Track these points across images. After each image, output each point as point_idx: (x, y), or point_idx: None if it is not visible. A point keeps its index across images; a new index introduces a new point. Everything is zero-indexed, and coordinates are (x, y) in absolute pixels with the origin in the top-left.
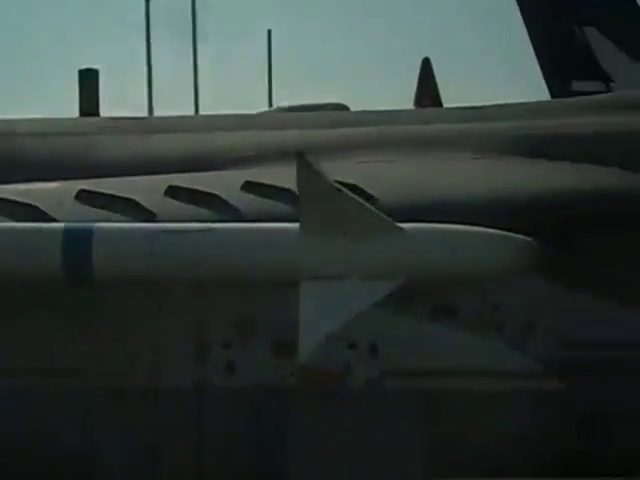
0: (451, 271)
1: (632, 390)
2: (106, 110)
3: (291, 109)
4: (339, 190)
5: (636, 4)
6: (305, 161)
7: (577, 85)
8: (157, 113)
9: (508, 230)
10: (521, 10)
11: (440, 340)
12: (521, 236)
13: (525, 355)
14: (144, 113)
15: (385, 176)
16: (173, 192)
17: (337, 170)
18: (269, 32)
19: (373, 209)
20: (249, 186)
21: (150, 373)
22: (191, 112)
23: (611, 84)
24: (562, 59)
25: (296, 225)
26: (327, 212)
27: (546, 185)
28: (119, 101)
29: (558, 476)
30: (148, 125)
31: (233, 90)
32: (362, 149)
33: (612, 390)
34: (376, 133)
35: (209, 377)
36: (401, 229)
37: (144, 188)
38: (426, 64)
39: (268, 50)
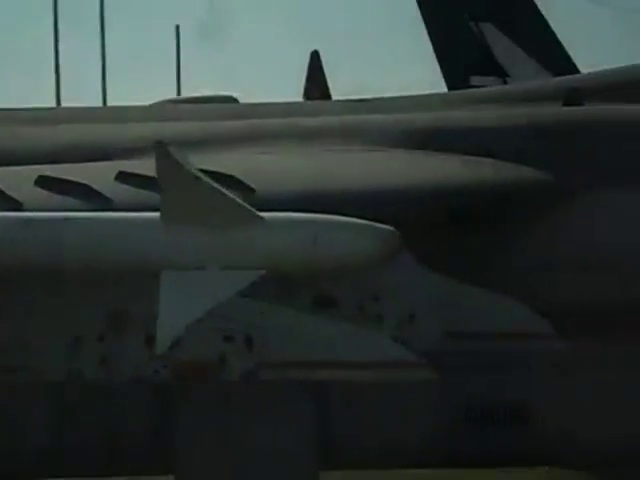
0: (313, 260)
1: (512, 379)
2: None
3: (180, 101)
4: (199, 179)
5: (532, 0)
6: (164, 151)
7: (475, 80)
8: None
9: (389, 221)
10: (419, 5)
11: (319, 331)
12: (385, 226)
13: (406, 345)
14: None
15: (266, 168)
16: (43, 182)
17: (218, 161)
18: (177, 27)
19: (234, 198)
20: (123, 176)
21: (21, 366)
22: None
23: (507, 79)
24: (459, 54)
25: (157, 215)
26: (187, 201)
27: (428, 176)
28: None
29: (446, 465)
30: (38, 116)
31: (142, 83)
32: (248, 141)
33: (494, 379)
34: (263, 125)
35: (82, 370)
36: (262, 218)
37: (13, 178)
38: (315, 57)
39: (177, 44)
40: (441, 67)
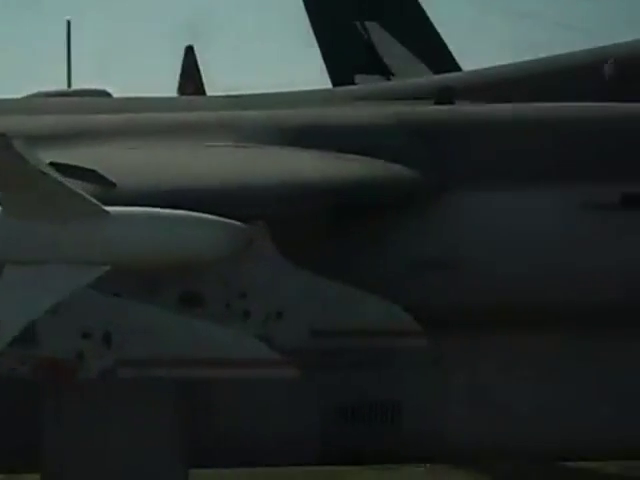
0: (159, 255)
1: (382, 377)
2: None
3: (52, 95)
4: (43, 173)
5: (417, 0)
6: (7, 144)
7: (360, 79)
8: None
9: (258, 218)
10: (305, 3)
11: (180, 329)
12: (235, 221)
13: (272, 343)
14: None
15: (132, 163)
16: None
17: (83, 155)
18: (68, 22)
19: (80, 193)
20: None
21: None
22: None
23: (392, 78)
24: (345, 53)
25: None
26: (30, 195)
27: (298, 173)
28: None
29: (316, 463)
30: None
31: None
32: (118, 135)
33: (363, 377)
34: (134, 120)
35: None
36: (107, 213)
37: None
38: (189, 52)
39: (67, 38)
40: (326, 65)
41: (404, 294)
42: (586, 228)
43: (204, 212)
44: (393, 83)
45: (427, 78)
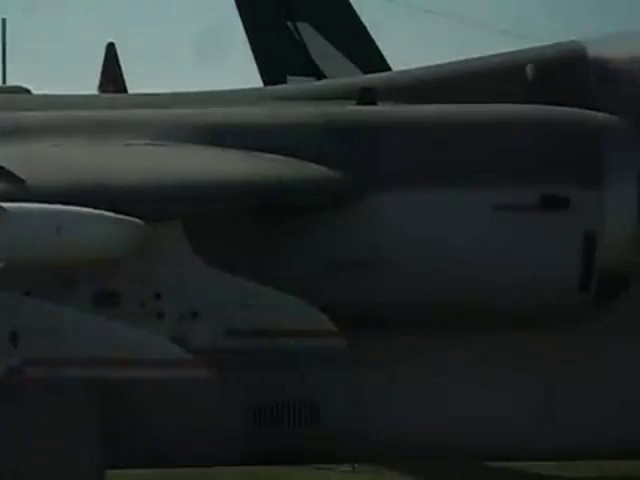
0: (57, 252)
1: (299, 377)
2: None
3: None
4: None
5: (348, 1)
6: None
7: (291, 80)
8: None
9: (173, 217)
10: (236, 3)
11: (90, 328)
12: (132, 219)
13: (187, 343)
14: None
15: (42, 159)
16: None
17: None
18: (3, 20)
19: None
20: None
21: None
22: None
23: (323, 79)
24: (276, 54)
25: None
26: None
27: (214, 172)
28: None
29: (237, 464)
30: None
31: None
32: (34, 133)
33: (281, 377)
34: (51, 117)
35: None
36: (3, 209)
37: None
38: (110, 50)
39: (2, 36)
40: (258, 66)
41: (324, 295)
42: (503, 230)
43: (119, 211)
44: (317, 83)
45: (350, 78)
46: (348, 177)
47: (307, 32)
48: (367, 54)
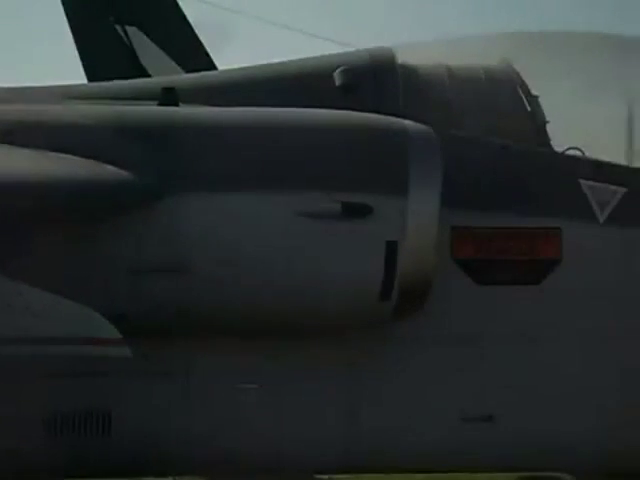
0: None
1: (87, 386)
2: None
3: None
4: None
5: (178, 5)
6: None
7: None
8: None
9: None
10: (63, 5)
11: None
12: None
13: None
14: None
15: None
16: None
17: None
18: None
19: None
20: None
21: None
22: None
23: None
24: (104, 57)
25: None
26: None
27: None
28: None
29: (30, 477)
30: None
31: None
32: None
33: (66, 386)
34: None
35: None
36: None
37: None
38: None
39: None
40: (84, 69)
41: (121, 301)
42: (304, 236)
43: None
44: (118, 82)
45: (156, 79)
46: (145, 179)
47: (136, 36)
48: (196, 59)
